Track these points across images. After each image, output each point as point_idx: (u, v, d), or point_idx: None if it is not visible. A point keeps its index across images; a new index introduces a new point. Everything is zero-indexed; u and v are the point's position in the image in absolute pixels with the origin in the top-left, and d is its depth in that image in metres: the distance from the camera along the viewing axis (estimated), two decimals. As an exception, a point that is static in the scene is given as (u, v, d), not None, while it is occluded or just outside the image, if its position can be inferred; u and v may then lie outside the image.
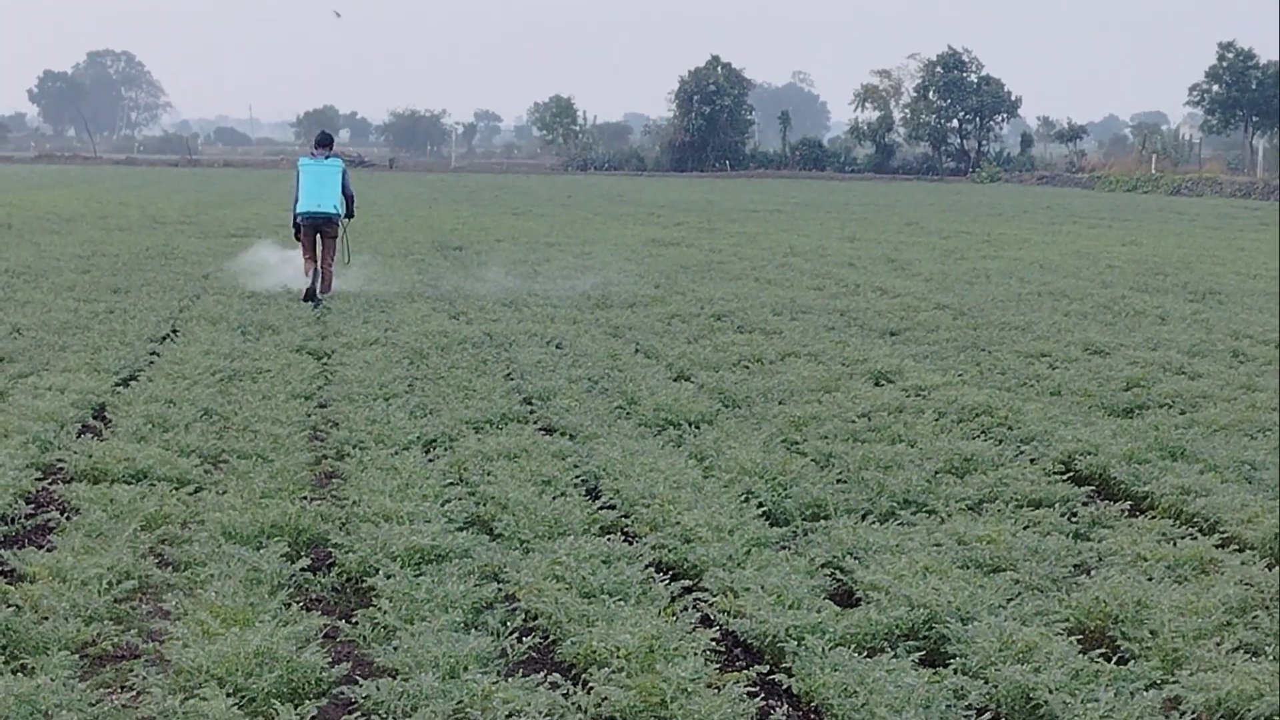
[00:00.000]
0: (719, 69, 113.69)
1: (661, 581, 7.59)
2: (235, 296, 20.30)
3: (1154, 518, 9.33)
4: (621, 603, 7.13)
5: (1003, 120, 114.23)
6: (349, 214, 21.08)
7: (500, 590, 7.48)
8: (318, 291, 20.26)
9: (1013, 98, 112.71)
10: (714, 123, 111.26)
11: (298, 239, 21.04)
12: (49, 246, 28.41)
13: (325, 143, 21.22)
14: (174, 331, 17.00)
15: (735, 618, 7.10)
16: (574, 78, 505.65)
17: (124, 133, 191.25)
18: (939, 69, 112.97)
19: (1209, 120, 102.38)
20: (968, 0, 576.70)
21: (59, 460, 10.22)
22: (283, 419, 11.61)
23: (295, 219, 20.82)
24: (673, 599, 7.37)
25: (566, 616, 6.92)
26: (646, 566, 7.81)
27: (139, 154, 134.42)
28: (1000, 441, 11.45)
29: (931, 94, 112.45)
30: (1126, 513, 9.42)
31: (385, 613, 6.95)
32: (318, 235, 20.67)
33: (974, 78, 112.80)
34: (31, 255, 26.21)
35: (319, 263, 20.61)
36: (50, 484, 9.70)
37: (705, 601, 7.38)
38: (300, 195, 20.64)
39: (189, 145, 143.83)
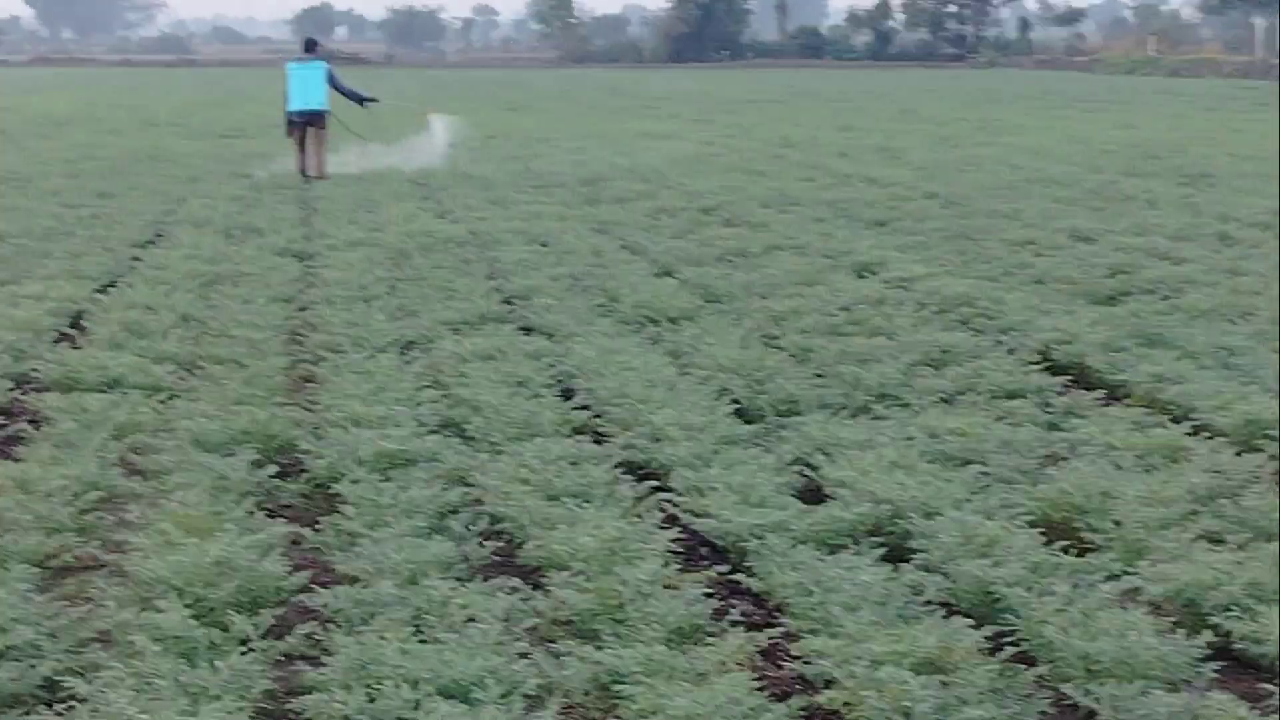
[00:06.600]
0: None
1: (628, 482, 7.58)
2: (222, 199, 20.21)
3: (1128, 406, 9.30)
4: (586, 504, 7.12)
5: (1000, 4, 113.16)
6: (361, 101, 24.37)
7: (467, 494, 7.46)
8: (309, 170, 23.05)
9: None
10: (711, 13, 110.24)
11: (290, 135, 23.64)
12: (38, 151, 28.23)
13: (310, 48, 24.57)
14: (158, 236, 16.94)
15: (700, 517, 7.09)
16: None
17: (120, 34, 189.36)
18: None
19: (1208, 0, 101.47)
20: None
21: (33, 369, 10.13)
22: (261, 323, 11.55)
23: (288, 117, 23.40)
24: (638, 500, 7.35)
25: (530, 520, 6.92)
26: (614, 467, 7.79)
27: (135, 55, 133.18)
28: (979, 332, 11.40)
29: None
30: (1101, 402, 9.38)
31: (350, 519, 6.94)
32: (307, 129, 23.21)
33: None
34: (19, 160, 26.03)
35: (309, 152, 23.26)
36: (23, 394, 9.65)
37: (671, 502, 7.36)
38: (290, 96, 23.35)
39: (185, 45, 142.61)
